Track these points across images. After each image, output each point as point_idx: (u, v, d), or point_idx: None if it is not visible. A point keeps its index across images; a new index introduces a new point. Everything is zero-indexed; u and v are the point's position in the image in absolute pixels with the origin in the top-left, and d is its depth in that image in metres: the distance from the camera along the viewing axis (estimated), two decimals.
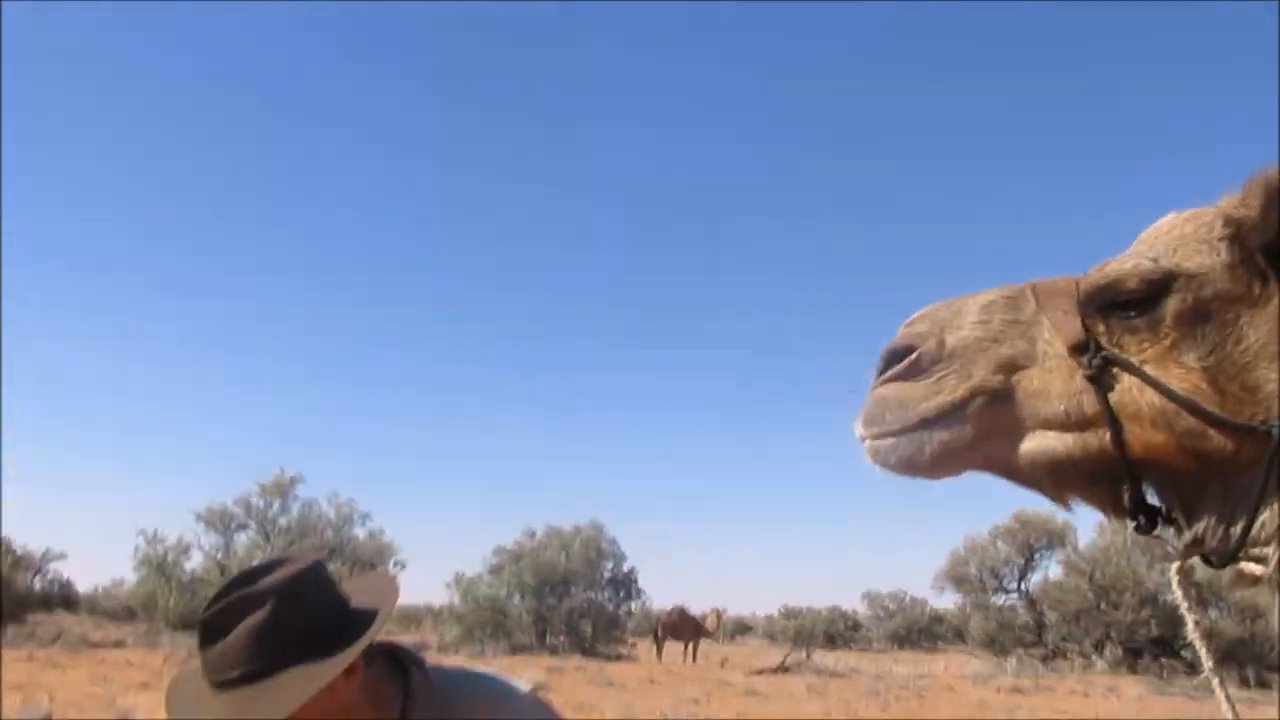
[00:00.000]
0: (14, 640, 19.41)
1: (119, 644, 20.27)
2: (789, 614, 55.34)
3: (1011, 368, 1.21)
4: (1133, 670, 22.67)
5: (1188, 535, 1.15)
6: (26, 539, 28.63)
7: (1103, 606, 23.99)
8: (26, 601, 25.44)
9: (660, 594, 47.41)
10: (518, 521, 36.44)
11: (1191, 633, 1.22)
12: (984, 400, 1.20)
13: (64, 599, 31.49)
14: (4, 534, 25.53)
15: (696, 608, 31.70)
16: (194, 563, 26.05)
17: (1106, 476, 1.18)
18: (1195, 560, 1.19)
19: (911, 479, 1.28)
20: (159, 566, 24.79)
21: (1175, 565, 1.21)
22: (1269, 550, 1.09)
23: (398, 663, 1.82)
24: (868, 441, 1.28)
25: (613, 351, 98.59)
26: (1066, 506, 1.26)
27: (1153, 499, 1.20)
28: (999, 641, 26.04)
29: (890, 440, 1.25)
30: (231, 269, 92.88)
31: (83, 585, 34.37)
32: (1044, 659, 25.03)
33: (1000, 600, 27.40)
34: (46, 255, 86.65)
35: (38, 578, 28.45)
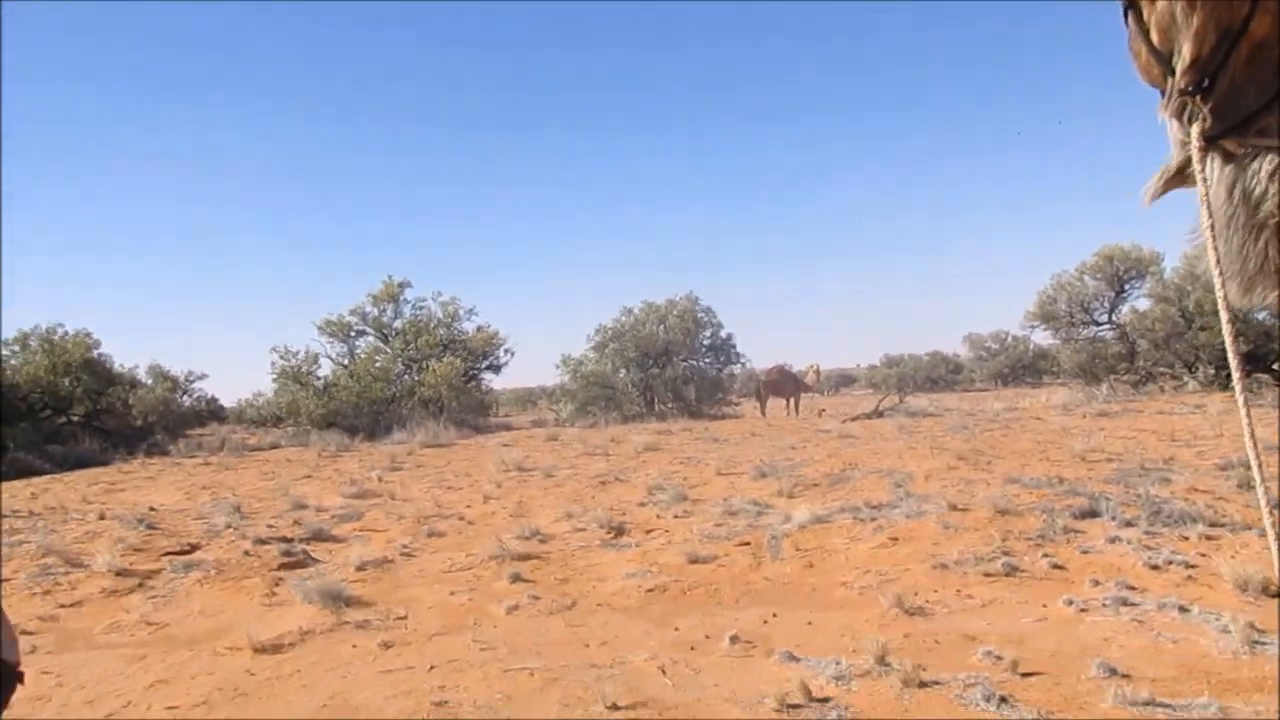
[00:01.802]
0: (186, 451, 21.97)
1: (275, 446, 22.72)
2: (891, 362, 56.52)
3: None
4: (1224, 388, 23.19)
5: (1220, 119, 1.38)
6: (169, 363, 31.50)
7: (1191, 330, 24.30)
8: (185, 418, 28.21)
9: (762, 357, 48.84)
10: (616, 303, 37.72)
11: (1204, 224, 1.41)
12: None
13: (212, 413, 34.33)
14: (152, 360, 28.17)
15: (799, 366, 33.03)
16: (324, 369, 28.42)
17: (1217, 31, 1.37)
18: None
19: None
20: (295, 376, 27.23)
21: (1196, 133, 1.41)
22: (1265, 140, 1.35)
23: None
24: None
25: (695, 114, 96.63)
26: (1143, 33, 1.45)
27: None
28: (1091, 372, 26.74)
29: None
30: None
31: (225, 401, 37.52)
32: (1135, 384, 25.71)
33: (1091, 333, 27.84)
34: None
35: (186, 397, 31.02)
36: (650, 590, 7.23)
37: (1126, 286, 26.95)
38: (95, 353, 24.84)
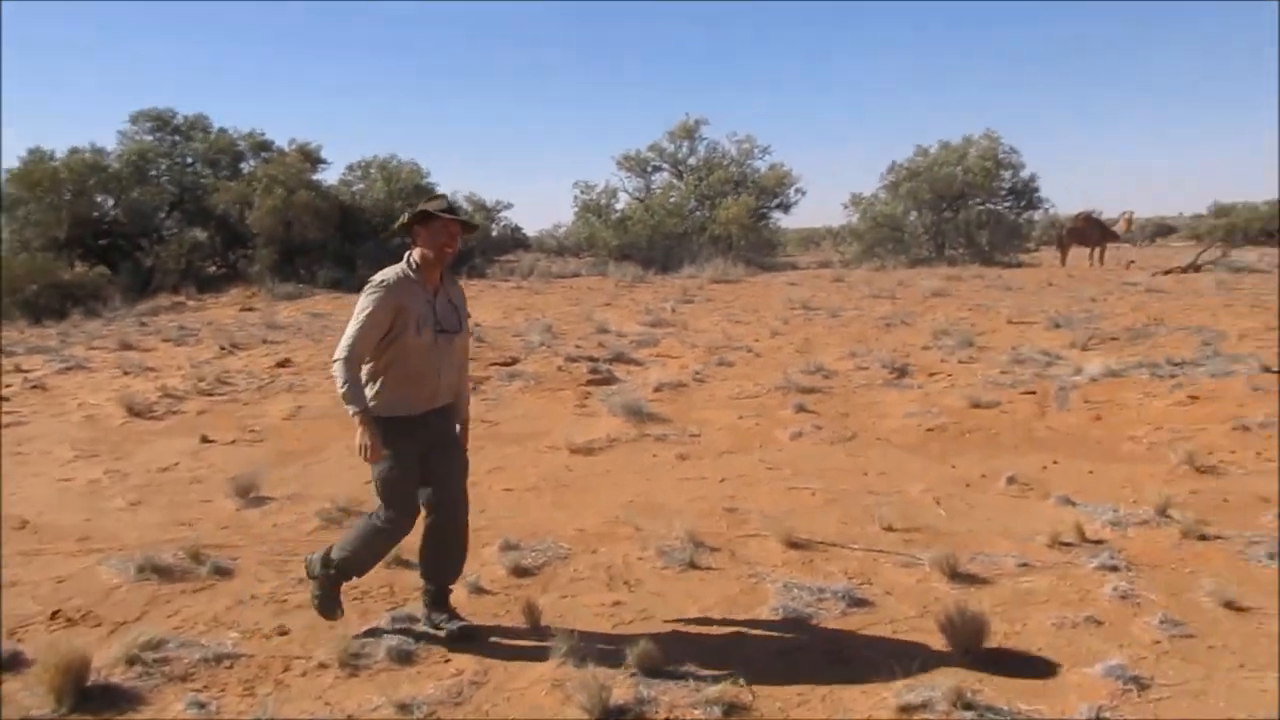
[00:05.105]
0: (497, 275, 24.08)
1: (576, 274, 24.34)
2: (1220, 211, 50.88)
3: None
4: None
5: None
6: (489, 193, 34.11)
7: None
8: (497, 245, 30.61)
9: (1067, 202, 45.48)
10: (911, 141, 36.21)
11: None
12: None
13: (517, 241, 36.76)
14: (470, 190, 30.60)
15: (1110, 213, 30.58)
16: (620, 204, 29.72)
17: None
18: None
19: None
20: (595, 209, 28.76)
21: None
22: None
23: None
24: None
25: None
26: None
27: None
28: None
29: None
30: None
31: (528, 230, 40.03)
32: None
33: None
34: None
35: (494, 225, 33.38)
36: (930, 429, 7.51)
37: None
38: (425, 181, 27.37)
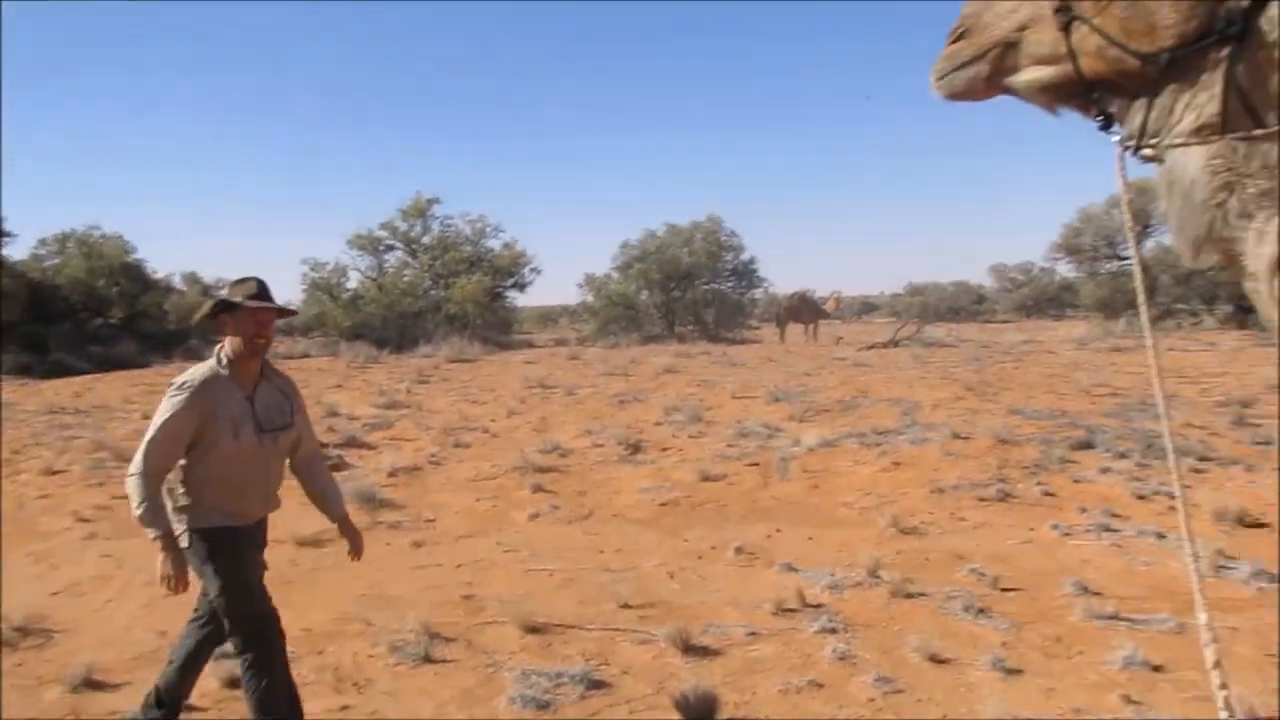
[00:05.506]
0: None
1: (305, 355, 23.31)
2: (914, 291, 56.40)
3: (1022, 28, 1.74)
4: (1241, 326, 23.29)
5: (1124, 131, 1.63)
6: (209, 271, 32.18)
7: (1213, 268, 24.31)
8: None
9: (784, 281, 48.88)
10: (640, 223, 37.80)
11: (1125, 216, 1.63)
12: (1000, 49, 1.77)
13: None
14: (186, 268, 28.73)
15: (822, 291, 33.19)
16: (352, 282, 28.93)
17: (1076, 93, 1.66)
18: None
19: (956, 102, 1.86)
20: (325, 288, 27.79)
21: (1116, 151, 1.63)
22: (1154, 140, 1.56)
23: None
24: (932, 81, 1.87)
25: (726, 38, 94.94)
26: (1055, 113, 1.76)
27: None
28: (1111, 306, 26.80)
29: (944, 78, 1.84)
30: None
31: None
32: (1155, 319, 25.76)
33: (1115, 267, 27.79)
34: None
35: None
36: (663, 504, 7.71)
37: (1153, 222, 26.79)
38: (132, 258, 25.37)
